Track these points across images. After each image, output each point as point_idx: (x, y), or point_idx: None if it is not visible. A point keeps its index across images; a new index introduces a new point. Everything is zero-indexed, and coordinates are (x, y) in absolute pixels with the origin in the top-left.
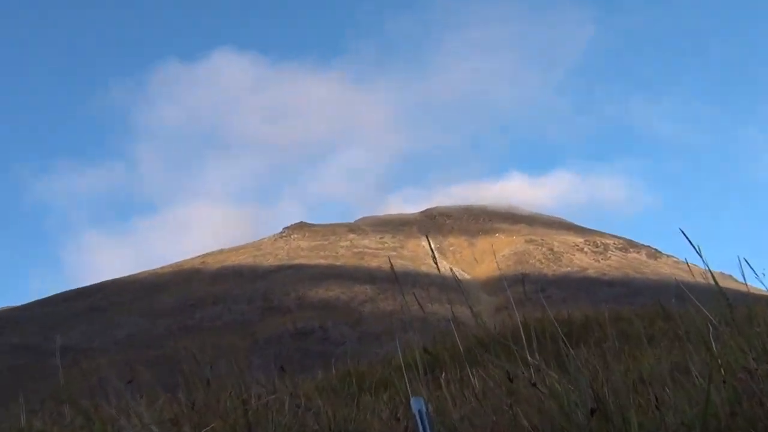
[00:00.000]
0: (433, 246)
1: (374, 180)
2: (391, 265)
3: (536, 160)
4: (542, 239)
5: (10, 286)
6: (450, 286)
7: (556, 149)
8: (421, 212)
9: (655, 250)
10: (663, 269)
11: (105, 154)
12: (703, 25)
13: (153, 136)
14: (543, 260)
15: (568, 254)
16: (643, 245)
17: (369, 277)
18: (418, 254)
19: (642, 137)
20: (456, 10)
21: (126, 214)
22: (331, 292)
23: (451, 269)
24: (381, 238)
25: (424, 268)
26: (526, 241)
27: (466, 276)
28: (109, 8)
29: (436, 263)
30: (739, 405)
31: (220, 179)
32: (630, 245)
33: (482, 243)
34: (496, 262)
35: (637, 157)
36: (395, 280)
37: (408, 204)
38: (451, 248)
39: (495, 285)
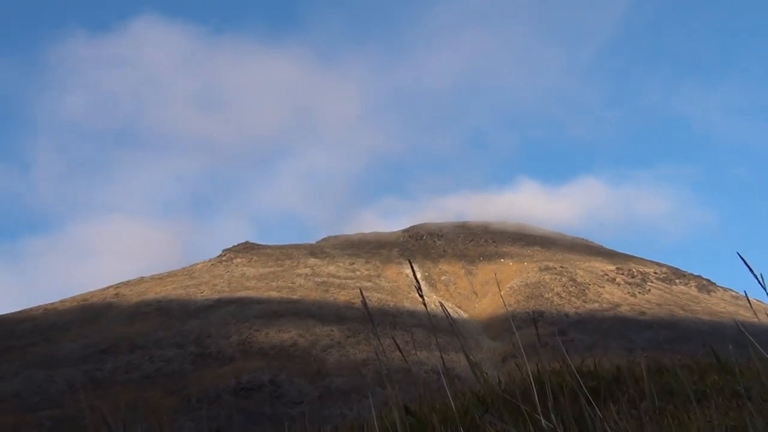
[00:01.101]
0: (419, 275)
1: (342, 189)
2: (364, 299)
3: (554, 165)
4: (562, 267)
5: None
6: (441, 328)
7: (579, 151)
8: (404, 231)
9: (708, 281)
10: (718, 306)
11: None
12: None
13: (51, 131)
14: (563, 294)
15: (596, 286)
16: (692, 275)
17: (335, 315)
18: (400, 285)
19: (693, 136)
20: None
21: (14, 232)
22: (286, 334)
23: (443, 305)
24: (351, 263)
25: (407, 304)
26: (541, 269)
27: (463, 314)
28: None
29: (422, 297)
30: None
31: (140, 187)
32: (675, 275)
33: (484, 271)
34: (501, 296)
35: (687, 162)
36: (369, 319)
37: (386, 220)
38: (442, 278)
39: (500, 326)
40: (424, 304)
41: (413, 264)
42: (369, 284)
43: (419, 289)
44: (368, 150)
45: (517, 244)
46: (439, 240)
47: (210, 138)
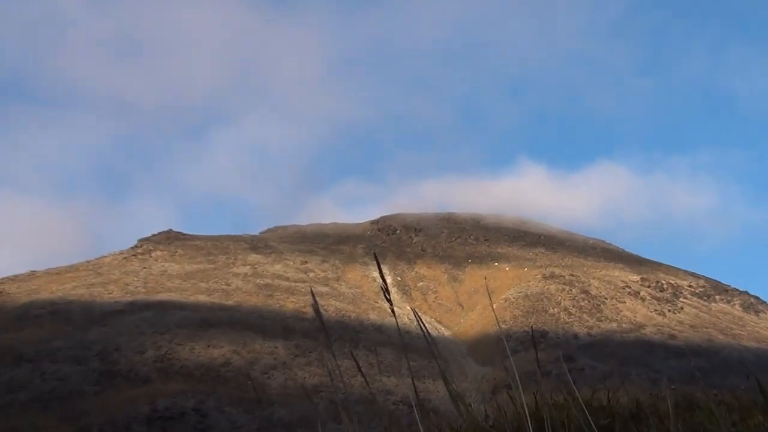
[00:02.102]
0: (389, 279)
1: (294, 168)
2: (318, 308)
3: (566, 147)
4: (572, 275)
5: None
6: (416, 348)
7: (599, 129)
8: (372, 223)
9: (756, 298)
10: (767, 330)
11: None
12: None
13: None
14: (572, 310)
15: (614, 301)
16: (736, 291)
17: (281, 327)
18: (365, 292)
19: (742, 115)
20: None
21: None
22: (217, 350)
23: (419, 318)
24: (304, 262)
25: (373, 316)
26: (546, 277)
27: (444, 331)
28: None
29: (391, 307)
30: None
31: (32, 156)
32: (715, 290)
33: (472, 277)
34: (494, 309)
35: (733, 148)
36: (324, 333)
37: (350, 209)
38: (420, 284)
39: (491, 348)
40: (394, 317)
41: (382, 264)
42: (325, 289)
43: (388, 296)
44: (329, 119)
45: (516, 244)
46: (416, 236)
47: (125, 97)
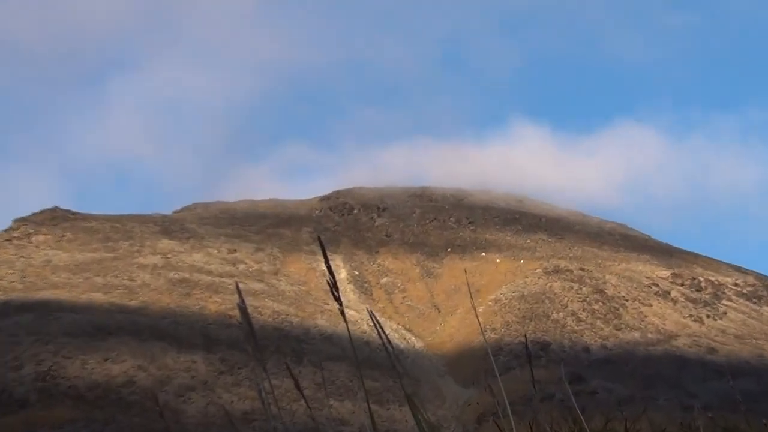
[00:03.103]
0: (343, 272)
1: (219, 129)
2: (247, 309)
3: (576, 103)
4: (582, 269)
5: None
6: (376, 363)
7: (620, 80)
8: (322, 199)
9: None
10: None
11: None
12: None
13: None
14: (583, 314)
15: (637, 303)
16: None
17: (201, 336)
18: (312, 289)
19: None
20: None
21: None
22: (117, 365)
23: (379, 325)
24: (231, 251)
25: (322, 321)
26: (548, 272)
27: (415, 342)
28: None
29: (342, 310)
30: None
31: None
32: None
33: (452, 271)
34: (478, 314)
35: None
36: (254, 344)
37: (292, 181)
38: (383, 279)
39: (475, 364)
40: (346, 323)
41: (335, 254)
42: (260, 286)
43: (337, 294)
44: (266, 66)
45: (510, 228)
46: (379, 216)
47: None
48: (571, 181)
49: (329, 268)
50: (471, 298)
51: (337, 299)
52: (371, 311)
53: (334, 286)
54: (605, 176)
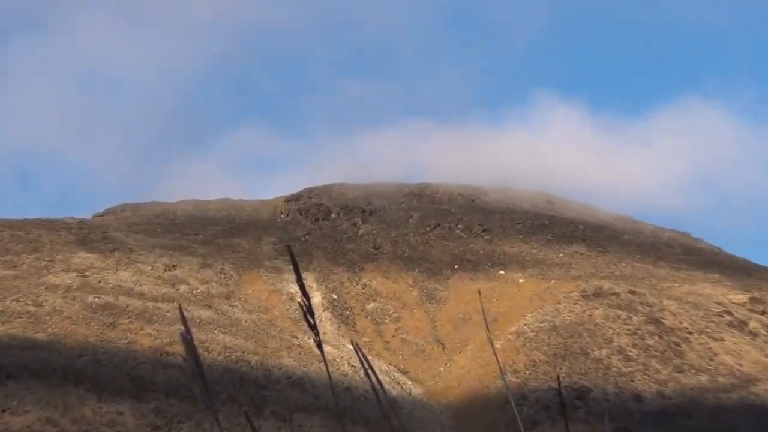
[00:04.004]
0: (317, 295)
1: (153, 110)
2: (193, 344)
3: (621, 76)
4: (632, 292)
5: None
6: (363, 416)
7: (681, 47)
8: (289, 200)
9: None
10: None
11: None
12: None
13: None
14: (633, 351)
15: (705, 337)
16: None
17: (130, 379)
18: (276, 318)
19: None
20: None
21: None
22: (20, 417)
23: (367, 364)
24: (170, 267)
25: (290, 360)
26: (587, 296)
27: (413, 388)
28: None
29: (320, 344)
30: None
31: None
32: None
33: (461, 294)
34: (496, 350)
35: None
36: (202, 389)
37: (250, 176)
38: (371, 304)
39: (492, 416)
40: (324, 360)
41: (308, 272)
42: (208, 314)
43: (313, 323)
44: (214, 26)
45: (536, 238)
46: (365, 222)
47: None
48: (616, 176)
49: (302, 287)
50: (487, 329)
51: (313, 328)
52: (357, 345)
53: (308, 311)
54: (662, 170)
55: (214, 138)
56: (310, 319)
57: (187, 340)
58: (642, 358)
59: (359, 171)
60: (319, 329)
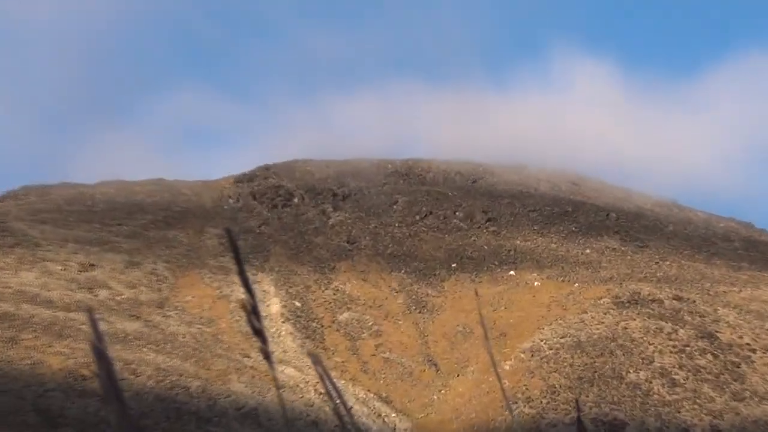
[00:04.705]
0: (275, 303)
1: (63, 72)
2: (108, 360)
3: (660, 26)
4: (679, 297)
5: None
6: None
7: None
8: (240, 180)
9: None
10: None
11: None
12: None
13: None
14: (679, 372)
15: None
16: None
17: (35, 410)
18: (222, 330)
19: None
20: None
21: None
22: None
23: (335, 390)
24: (87, 266)
25: (240, 386)
26: (620, 303)
27: (397, 421)
28: None
29: (271, 366)
30: None
31: None
32: None
33: (459, 300)
34: (498, 374)
35: None
36: (124, 424)
37: (187, 152)
38: (344, 314)
39: None
40: (276, 384)
41: (262, 272)
42: (134, 326)
43: (258, 324)
44: None
45: (557, 229)
46: (337, 209)
47: None
48: (657, 151)
49: (244, 279)
50: (487, 345)
51: (259, 334)
52: (322, 365)
53: (253, 312)
54: (715, 143)
55: (142, 105)
56: (255, 322)
57: (100, 352)
58: (691, 382)
59: (329, 144)
60: (275, 347)
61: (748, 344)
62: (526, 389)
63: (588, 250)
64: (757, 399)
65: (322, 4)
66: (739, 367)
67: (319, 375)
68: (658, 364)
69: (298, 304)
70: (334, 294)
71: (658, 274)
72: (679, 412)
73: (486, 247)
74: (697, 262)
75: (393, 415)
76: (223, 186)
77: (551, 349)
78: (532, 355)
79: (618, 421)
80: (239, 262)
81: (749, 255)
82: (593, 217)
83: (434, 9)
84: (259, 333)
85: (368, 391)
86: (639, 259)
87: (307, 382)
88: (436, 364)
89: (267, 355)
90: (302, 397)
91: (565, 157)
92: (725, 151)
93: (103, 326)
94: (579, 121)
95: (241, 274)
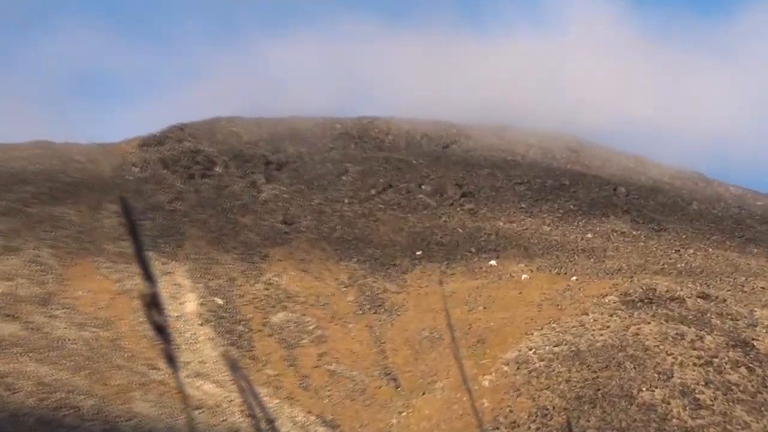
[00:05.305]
0: (192, 300)
1: None
2: None
3: None
4: (705, 295)
5: None
6: None
7: None
8: (144, 143)
9: None
10: None
11: None
12: None
13: None
14: (705, 390)
15: None
16: None
17: None
18: (123, 334)
19: None
20: None
21: None
22: None
23: (261, 410)
24: None
25: (144, 405)
26: (629, 301)
27: None
28: None
29: (172, 362)
30: None
31: None
32: None
33: (425, 297)
34: (470, 391)
35: None
36: None
37: (76, 108)
38: (278, 315)
39: None
40: (190, 406)
41: (175, 261)
42: (11, 330)
43: (170, 348)
44: None
45: (550, 207)
46: (271, 181)
47: None
48: (678, 109)
49: (144, 263)
50: (458, 354)
51: (161, 331)
52: (245, 378)
53: (152, 304)
54: (752, 98)
55: (17, 44)
56: (156, 316)
57: None
58: (720, 404)
59: (261, 98)
60: (191, 354)
61: (745, 345)
62: (511, 411)
63: (590, 235)
64: None
65: None
66: None
67: (240, 388)
68: (679, 380)
69: (220, 301)
70: (267, 289)
71: (678, 266)
72: None
73: (460, 230)
74: (728, 250)
75: None
76: (125, 151)
77: (542, 361)
78: (519, 368)
79: None
80: (135, 237)
81: None
82: (596, 192)
83: None
84: (161, 330)
85: (309, 412)
86: (654, 246)
87: (231, 400)
88: (395, 379)
89: (171, 359)
90: (225, 420)
91: (562, 116)
92: (764, 109)
93: None
94: (579, 70)
95: (138, 253)
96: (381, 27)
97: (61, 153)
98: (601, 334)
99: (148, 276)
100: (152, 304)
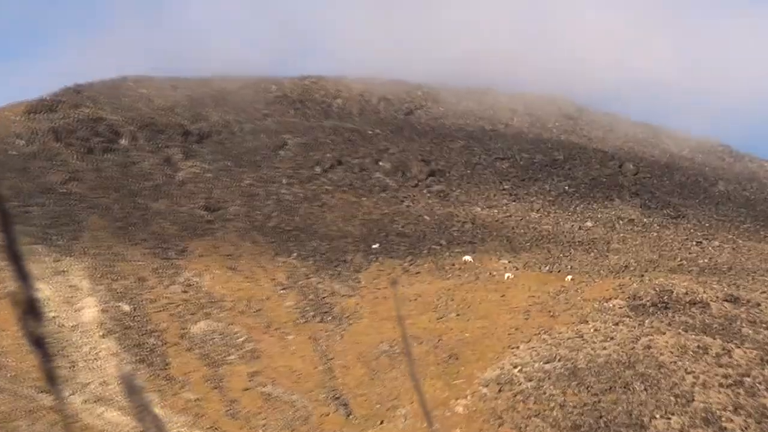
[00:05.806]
0: (91, 303)
1: None
2: None
3: None
4: (733, 297)
5: None
6: None
7: None
8: (32, 110)
9: None
10: None
11: None
12: None
13: None
14: (732, 417)
15: None
16: None
17: None
18: (7, 348)
19: None
20: None
21: None
22: None
23: None
24: None
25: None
26: (639, 306)
27: None
28: None
29: (52, 381)
30: None
31: None
32: None
33: (384, 302)
34: (428, 416)
35: None
36: None
37: None
38: (198, 325)
39: None
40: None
41: (60, 253)
42: None
43: (42, 348)
44: None
45: (540, 189)
46: (191, 156)
47: None
48: (701, 70)
49: (15, 258)
50: (413, 373)
51: (43, 353)
52: (147, 404)
53: (28, 310)
54: None
55: None
56: (32, 325)
57: None
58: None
59: (178, 53)
60: (89, 374)
61: None
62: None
63: (589, 223)
64: None
65: None
66: None
67: (141, 418)
68: (701, 405)
69: (126, 307)
70: (185, 292)
71: (700, 261)
72: None
73: (427, 218)
74: (762, 241)
75: None
76: (7, 118)
77: (530, 381)
78: (501, 390)
79: None
80: (5, 225)
81: None
82: (598, 169)
83: None
84: (38, 343)
85: None
86: (670, 237)
87: (140, 430)
88: (346, 405)
89: (53, 380)
90: None
91: (557, 76)
92: None
93: None
94: (579, 21)
95: (10, 245)
96: None
97: None
98: (604, 348)
99: (23, 275)
100: (28, 310)
